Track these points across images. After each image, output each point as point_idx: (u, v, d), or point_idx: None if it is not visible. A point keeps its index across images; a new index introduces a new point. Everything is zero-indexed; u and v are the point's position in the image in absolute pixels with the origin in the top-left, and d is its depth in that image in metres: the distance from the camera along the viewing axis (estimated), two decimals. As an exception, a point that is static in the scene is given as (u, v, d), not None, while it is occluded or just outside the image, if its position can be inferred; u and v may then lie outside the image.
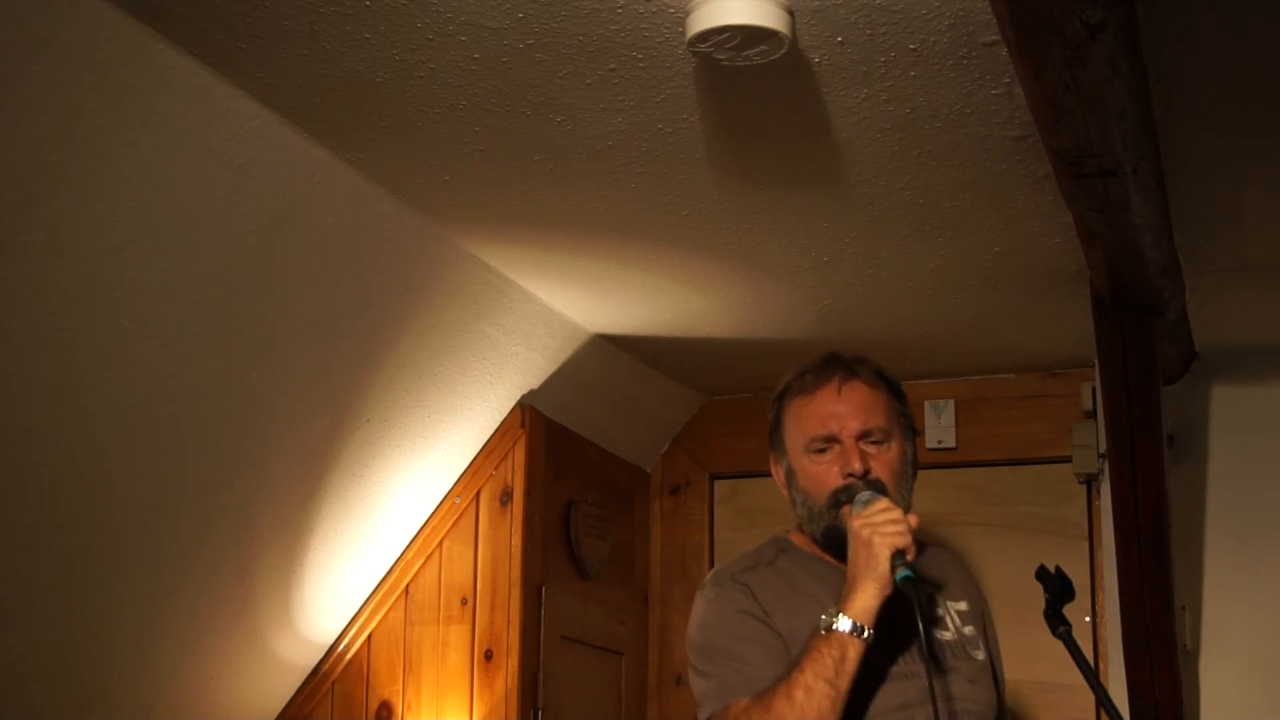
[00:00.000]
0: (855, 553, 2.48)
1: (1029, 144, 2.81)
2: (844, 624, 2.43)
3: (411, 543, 3.94)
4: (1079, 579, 3.32)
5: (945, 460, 4.36)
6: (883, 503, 2.52)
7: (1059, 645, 2.64)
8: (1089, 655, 3.46)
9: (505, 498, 3.92)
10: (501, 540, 3.90)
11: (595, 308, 3.83)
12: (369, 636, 3.93)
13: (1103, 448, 3.84)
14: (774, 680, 2.48)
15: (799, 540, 2.74)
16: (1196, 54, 2.54)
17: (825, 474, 2.64)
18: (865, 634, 2.43)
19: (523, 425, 3.95)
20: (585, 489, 4.24)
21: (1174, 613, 3.66)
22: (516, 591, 3.85)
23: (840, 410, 2.65)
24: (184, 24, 2.46)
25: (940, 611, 2.70)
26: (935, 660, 2.55)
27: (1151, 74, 2.54)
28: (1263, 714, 3.93)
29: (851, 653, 2.42)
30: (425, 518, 3.94)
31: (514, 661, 3.80)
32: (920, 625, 2.38)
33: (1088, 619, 4.06)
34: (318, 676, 3.92)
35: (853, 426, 2.64)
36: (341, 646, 3.93)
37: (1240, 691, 3.97)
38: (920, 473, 4.34)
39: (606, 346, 4.10)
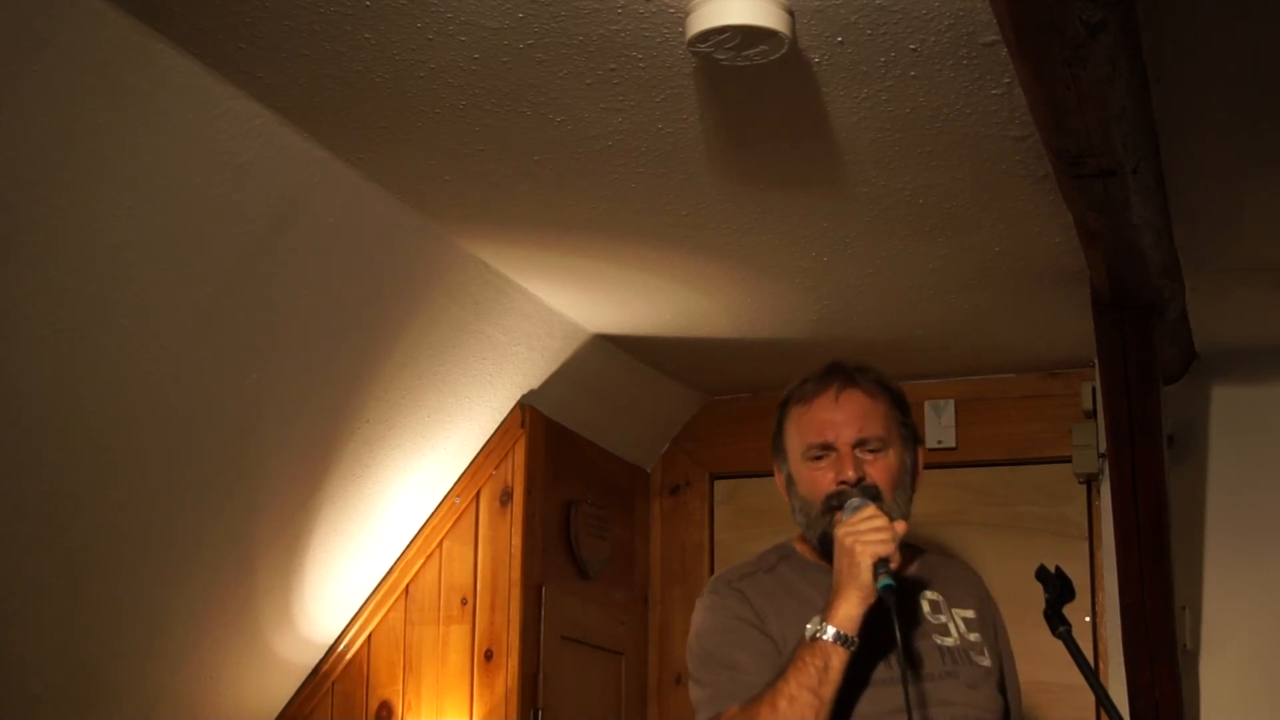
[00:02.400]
0: (839, 561, 2.50)
1: (1029, 144, 2.81)
2: (828, 633, 2.44)
3: (411, 543, 3.94)
4: (1079, 579, 3.31)
5: (945, 460, 4.36)
6: (869, 510, 2.53)
7: (1059, 645, 2.64)
8: (1089, 655, 3.46)
9: (505, 498, 3.92)
10: (501, 540, 3.90)
11: (595, 308, 3.83)
12: (369, 636, 3.93)
13: (1103, 448, 3.84)
14: (762, 687, 2.49)
15: (802, 548, 2.76)
16: (1196, 54, 2.54)
17: (820, 480, 2.66)
18: (850, 643, 2.45)
19: (523, 425, 3.95)
20: (585, 489, 4.24)
21: (1174, 613, 3.66)
22: (516, 591, 3.85)
23: (836, 418, 2.68)
24: (184, 24, 2.46)
25: (943, 618, 2.71)
26: (914, 668, 2.56)
27: (1151, 74, 2.54)
28: (1263, 714, 3.93)
29: (835, 661, 2.44)
30: (425, 518, 3.94)
31: (514, 661, 3.80)
32: (897, 634, 2.39)
33: (1088, 619, 4.06)
34: (318, 676, 3.92)
35: (848, 434, 2.66)
36: (341, 646, 3.93)
37: (1240, 691, 3.97)
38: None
39: (606, 346, 4.10)
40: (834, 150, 2.89)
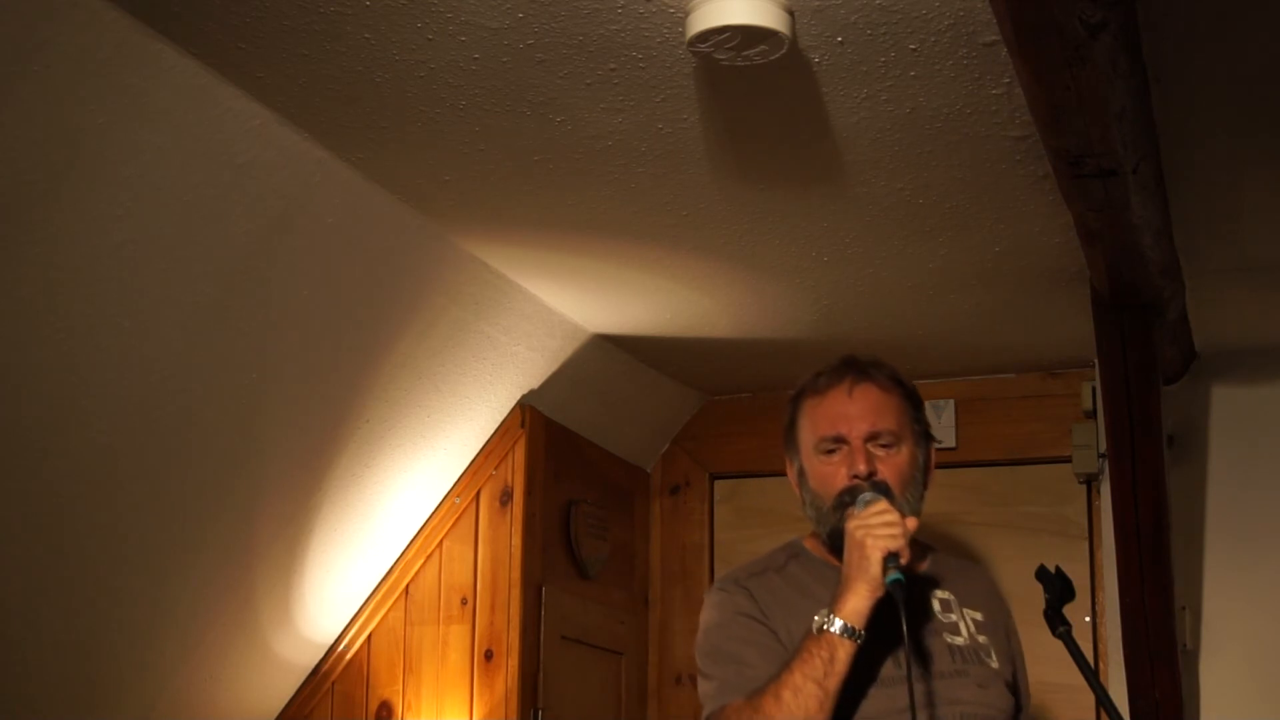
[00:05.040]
0: (849, 554, 2.50)
1: (1029, 144, 2.81)
2: (835, 625, 2.45)
3: (411, 543, 3.94)
4: (1079, 579, 3.32)
5: (945, 460, 4.32)
6: (880, 505, 2.53)
7: (1059, 645, 2.64)
8: (1089, 655, 3.46)
9: (505, 498, 3.92)
10: (501, 540, 3.90)
11: (595, 308, 3.83)
12: (369, 636, 3.93)
13: (1103, 448, 3.84)
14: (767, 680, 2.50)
15: (812, 546, 2.76)
16: (1196, 54, 2.54)
17: (833, 475, 2.66)
18: (856, 636, 2.45)
19: (523, 425, 3.95)
20: (585, 489, 4.24)
21: (1174, 613, 3.66)
22: (516, 591, 3.85)
23: (850, 411, 2.67)
24: (184, 24, 2.46)
25: (954, 616, 2.71)
26: (924, 665, 2.57)
27: (1151, 74, 2.54)
28: (1263, 714, 3.93)
29: (841, 654, 2.44)
30: (425, 518, 3.94)
31: (514, 661, 3.80)
32: (904, 629, 2.40)
33: (1088, 619, 4.06)
34: (318, 676, 3.92)
35: (861, 428, 2.66)
36: (341, 646, 3.93)
37: (1240, 691, 3.97)
38: (922, 473, 4.40)
39: (606, 346, 4.10)
40: (834, 150, 2.89)
